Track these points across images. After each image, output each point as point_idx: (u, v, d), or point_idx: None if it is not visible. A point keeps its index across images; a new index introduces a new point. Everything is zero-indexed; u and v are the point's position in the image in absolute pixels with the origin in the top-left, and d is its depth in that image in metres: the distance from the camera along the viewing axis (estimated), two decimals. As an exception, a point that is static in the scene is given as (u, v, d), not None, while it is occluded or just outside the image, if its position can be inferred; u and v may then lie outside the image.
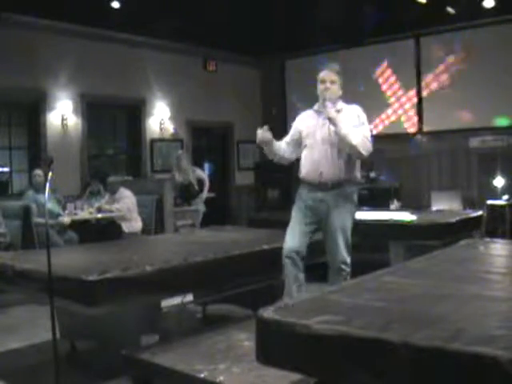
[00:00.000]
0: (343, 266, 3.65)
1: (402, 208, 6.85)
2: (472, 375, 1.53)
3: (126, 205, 6.86)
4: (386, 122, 9.37)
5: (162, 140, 9.35)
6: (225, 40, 9.07)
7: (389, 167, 9.18)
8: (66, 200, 6.99)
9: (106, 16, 7.51)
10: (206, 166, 10.19)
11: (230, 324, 3.57)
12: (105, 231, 6.64)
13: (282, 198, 9.75)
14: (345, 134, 3.57)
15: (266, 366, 2.02)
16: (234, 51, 9.96)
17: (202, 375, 2.61)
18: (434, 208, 7.83)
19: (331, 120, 3.60)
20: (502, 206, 7.07)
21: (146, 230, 7.06)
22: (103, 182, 7.33)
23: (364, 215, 5.71)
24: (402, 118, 9.25)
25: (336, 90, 3.73)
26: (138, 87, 8.93)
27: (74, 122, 8.19)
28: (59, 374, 2.72)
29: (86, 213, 6.77)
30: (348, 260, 3.68)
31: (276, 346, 1.94)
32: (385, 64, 9.24)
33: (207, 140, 10.65)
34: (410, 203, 7.71)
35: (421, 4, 7.24)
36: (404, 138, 9.18)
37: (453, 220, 5.42)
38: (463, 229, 5.49)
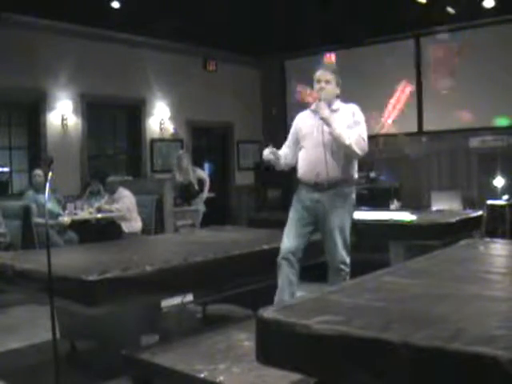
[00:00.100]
0: (342, 266, 3.64)
1: (402, 208, 6.85)
2: (472, 375, 1.53)
3: (125, 205, 6.86)
4: (386, 122, 9.37)
5: (162, 140, 9.35)
6: (225, 40, 9.07)
7: (389, 167, 9.19)
8: (66, 200, 7.00)
9: (106, 16, 7.50)
10: (206, 165, 10.19)
11: (230, 324, 3.57)
12: (105, 231, 6.64)
13: (282, 198, 9.74)
14: (338, 134, 3.57)
15: (266, 366, 2.02)
16: (234, 51, 9.96)
17: (202, 375, 2.61)
18: (434, 208, 7.83)
19: (324, 120, 3.60)
20: (502, 206, 7.07)
21: (145, 230, 7.07)
22: (103, 182, 7.33)
23: (364, 215, 5.72)
24: (402, 118, 9.25)
25: (331, 89, 3.71)
26: (138, 87, 8.93)
27: (74, 121, 8.19)
28: (59, 373, 2.72)
29: (85, 213, 6.77)
30: (347, 260, 3.67)
31: (276, 345, 1.94)
32: (385, 64, 9.24)
33: (207, 140, 10.65)
34: (410, 203, 7.71)
35: (421, 4, 7.23)
36: (404, 138, 9.18)
37: (453, 220, 5.42)
38: (463, 229, 5.49)
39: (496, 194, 7.61)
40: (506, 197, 7.32)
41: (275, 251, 3.75)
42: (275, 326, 1.91)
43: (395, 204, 7.00)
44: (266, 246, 4.01)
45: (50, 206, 6.20)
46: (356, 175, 3.81)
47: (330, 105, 3.70)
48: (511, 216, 6.94)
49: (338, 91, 3.77)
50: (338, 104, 3.77)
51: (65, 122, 8.06)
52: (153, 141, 9.23)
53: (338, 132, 3.57)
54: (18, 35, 7.39)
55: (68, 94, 8.10)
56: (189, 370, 2.68)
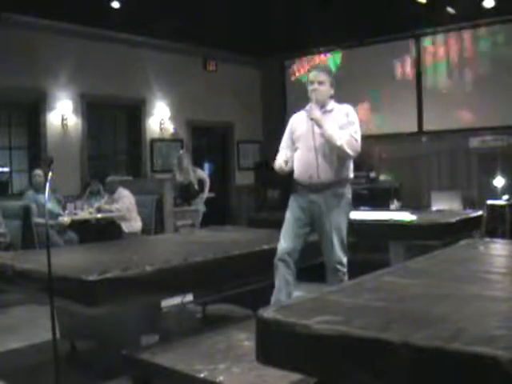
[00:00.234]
0: (339, 267, 3.63)
1: (402, 208, 6.85)
2: (472, 375, 1.53)
3: (125, 205, 6.86)
4: (386, 122, 9.37)
5: (162, 140, 9.35)
6: (225, 40, 9.07)
7: (389, 167, 9.18)
8: (66, 200, 7.00)
9: (106, 16, 7.50)
10: (206, 165, 10.19)
11: (230, 324, 3.57)
12: (105, 231, 6.64)
13: (282, 198, 9.71)
14: (330, 135, 3.56)
15: (266, 366, 2.02)
16: (234, 51, 9.96)
17: (202, 375, 2.61)
18: (433, 208, 7.83)
19: (315, 121, 3.60)
20: (502, 206, 7.07)
21: (145, 230, 7.06)
22: (103, 182, 7.33)
23: (364, 215, 5.72)
24: (402, 118, 9.24)
25: (325, 90, 3.69)
26: (138, 87, 8.93)
27: (73, 122, 8.19)
28: (59, 374, 2.72)
29: (85, 213, 6.77)
30: (344, 260, 3.66)
31: (276, 346, 1.94)
32: (385, 64, 9.24)
33: (207, 140, 10.65)
34: (410, 203, 7.71)
35: (421, 4, 7.23)
36: (404, 137, 9.17)
37: (453, 220, 5.42)
38: (463, 229, 5.49)
39: (496, 194, 7.61)
40: (506, 197, 7.32)
41: (275, 251, 3.74)
42: (275, 325, 1.91)
43: (395, 204, 7.00)
44: (265, 246, 4.01)
45: (50, 206, 6.20)
46: (351, 175, 3.79)
47: (323, 106, 3.68)
48: (511, 216, 6.94)
49: (332, 92, 3.75)
50: (332, 105, 3.75)
51: (65, 122, 8.06)
52: (153, 141, 9.23)
53: (330, 133, 3.56)
54: (18, 35, 7.39)
55: (68, 94, 8.10)
56: (189, 370, 2.68)
